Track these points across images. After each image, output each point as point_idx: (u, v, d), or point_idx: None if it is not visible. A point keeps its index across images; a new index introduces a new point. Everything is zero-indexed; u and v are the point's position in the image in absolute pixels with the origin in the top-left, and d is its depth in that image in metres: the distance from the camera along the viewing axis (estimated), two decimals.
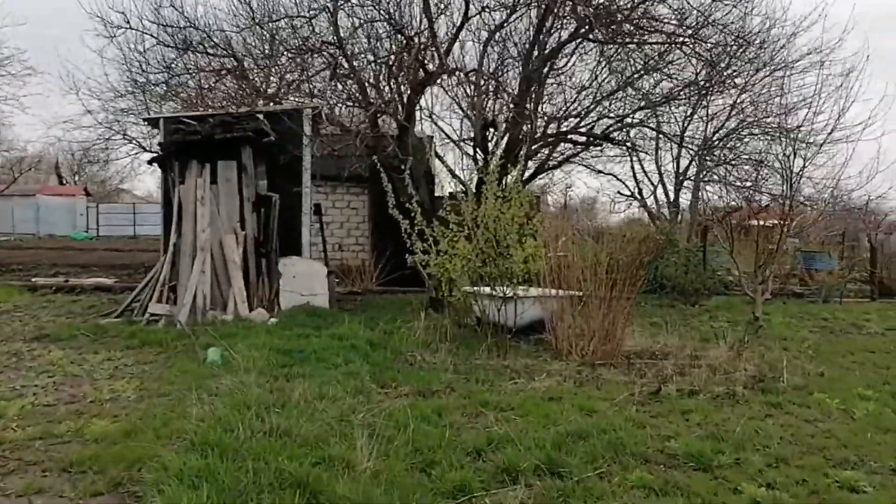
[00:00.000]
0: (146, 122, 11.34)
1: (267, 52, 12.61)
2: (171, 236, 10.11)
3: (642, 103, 14.80)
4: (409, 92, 12.72)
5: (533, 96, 13.87)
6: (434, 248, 8.24)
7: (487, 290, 8.65)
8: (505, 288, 8.29)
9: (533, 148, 14.48)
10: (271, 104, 11.47)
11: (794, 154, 10.39)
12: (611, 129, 16.06)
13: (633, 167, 22.66)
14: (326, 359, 6.69)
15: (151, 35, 13.03)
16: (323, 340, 7.67)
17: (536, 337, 9.01)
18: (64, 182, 55.33)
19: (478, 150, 14.48)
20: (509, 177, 8.64)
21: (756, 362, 7.85)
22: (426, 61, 13.28)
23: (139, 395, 5.79)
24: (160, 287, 9.79)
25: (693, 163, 21.38)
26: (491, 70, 14.61)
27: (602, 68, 14.36)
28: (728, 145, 15.77)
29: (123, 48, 13.81)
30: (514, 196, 8.10)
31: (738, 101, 16.10)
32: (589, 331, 8.26)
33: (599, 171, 21.03)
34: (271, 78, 12.11)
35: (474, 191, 15.86)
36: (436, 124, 17.83)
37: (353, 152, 14.95)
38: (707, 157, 17.36)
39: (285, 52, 12.28)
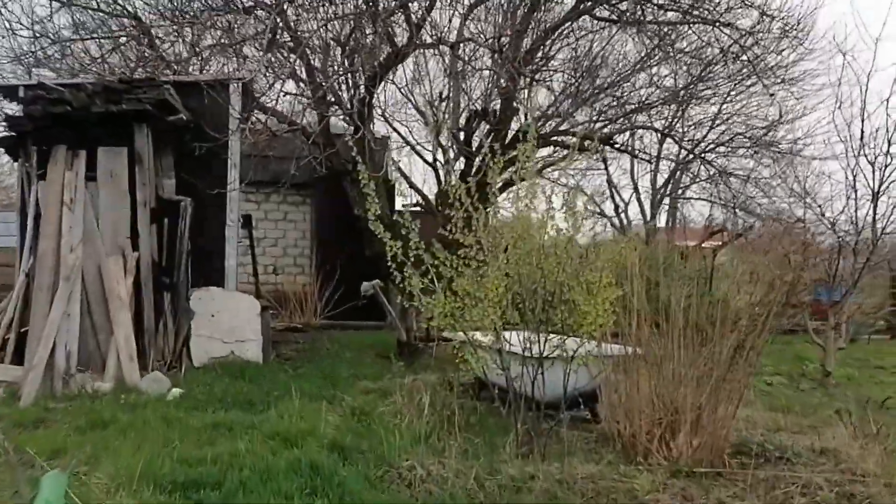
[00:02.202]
0: (2, 95, 7.85)
1: (182, 8, 9.31)
2: (24, 258, 6.70)
3: (653, 97, 12.09)
4: (373, 71, 9.60)
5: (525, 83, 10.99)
6: (438, 285, 5.15)
7: (512, 342, 5.58)
8: (544, 343, 5.24)
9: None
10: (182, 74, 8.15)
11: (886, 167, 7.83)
12: (605, 129, 13.30)
13: (609, 181, 20.25)
14: None
15: None
16: (257, 447, 4.43)
17: (575, 414, 6.06)
18: None
19: (458, 147, 11.55)
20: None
21: None
22: (394, 33, 10.25)
23: None
24: (2, 336, 6.36)
25: (681, 174, 19.03)
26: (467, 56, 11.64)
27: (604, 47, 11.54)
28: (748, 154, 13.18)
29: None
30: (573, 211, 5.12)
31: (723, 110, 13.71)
32: (669, 411, 5.35)
33: (566, 186, 18.40)
34: (196, 37, 8.78)
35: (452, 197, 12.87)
36: (391, 126, 14.88)
37: (295, 151, 11.81)
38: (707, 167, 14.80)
39: (206, 11, 9.02)
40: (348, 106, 11.40)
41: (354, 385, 7.28)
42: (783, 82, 10.58)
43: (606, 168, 19.40)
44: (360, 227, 11.68)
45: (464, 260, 5.01)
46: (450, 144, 11.05)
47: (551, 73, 11.09)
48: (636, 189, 20.84)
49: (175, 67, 8.76)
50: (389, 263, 5.20)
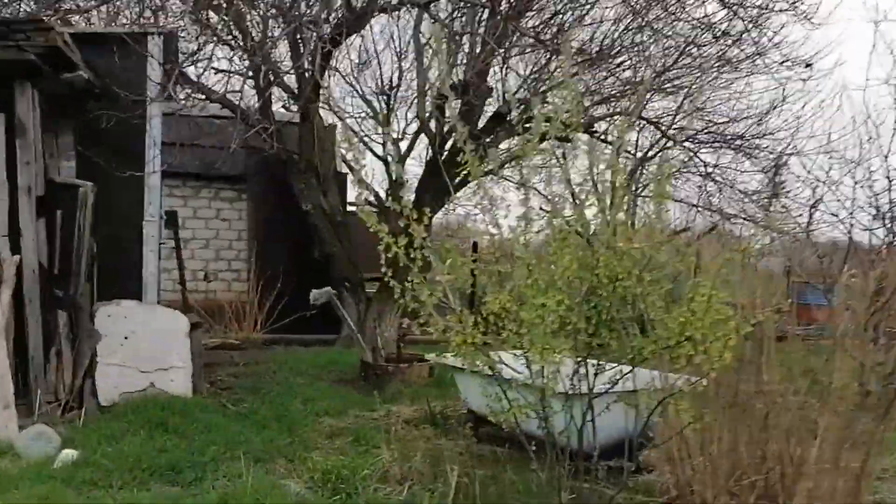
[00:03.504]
0: None
1: None
2: None
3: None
4: (324, 39, 7.86)
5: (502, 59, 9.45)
6: (454, 300, 3.56)
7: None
8: (593, 370, 3.69)
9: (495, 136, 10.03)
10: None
11: None
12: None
13: (568, 179, 18.99)
14: None
15: None
16: None
17: (615, 464, 4.56)
18: None
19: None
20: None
21: None
22: None
23: None
24: None
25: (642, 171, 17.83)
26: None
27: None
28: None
29: None
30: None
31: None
32: (764, 469, 3.93)
33: (521, 184, 16.93)
34: None
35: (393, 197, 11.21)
36: (337, 116, 13.24)
37: (228, 139, 10.00)
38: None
39: None
40: (296, 83, 9.73)
41: (315, 425, 5.66)
42: (786, 63, 9.31)
43: (565, 163, 18.13)
44: (308, 224, 10.01)
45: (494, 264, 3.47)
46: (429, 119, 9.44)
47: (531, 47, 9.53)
48: (595, 187, 19.69)
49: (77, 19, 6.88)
50: (384, 270, 3.58)
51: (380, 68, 12.95)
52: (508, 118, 9.65)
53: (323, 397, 6.63)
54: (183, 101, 7.21)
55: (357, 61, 12.21)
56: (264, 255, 11.00)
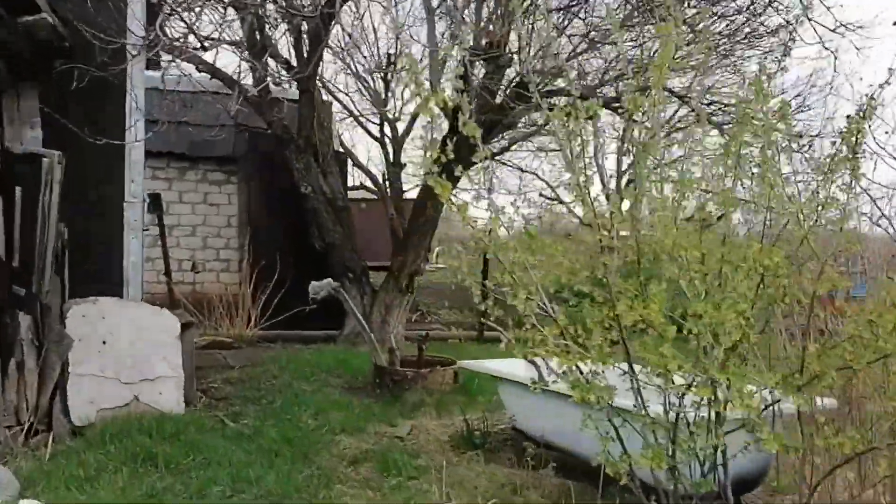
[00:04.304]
0: None
1: None
2: None
3: None
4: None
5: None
6: (552, 307, 2.63)
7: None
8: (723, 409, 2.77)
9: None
10: None
11: None
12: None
13: (571, 159, 18.06)
14: None
15: None
16: None
17: None
18: None
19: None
20: None
21: None
22: None
23: None
24: None
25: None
26: None
27: None
28: None
29: None
30: None
31: None
32: None
33: (521, 170, 16.02)
34: None
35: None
36: (333, 95, 12.27)
37: (219, 117, 8.99)
38: None
39: None
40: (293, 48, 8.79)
41: (331, 447, 4.72)
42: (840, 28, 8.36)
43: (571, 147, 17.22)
44: (306, 209, 9.02)
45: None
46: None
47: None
48: (600, 171, 18.82)
49: None
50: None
51: (377, 43, 12.02)
52: (529, 90, 8.69)
53: (335, 409, 5.68)
54: (166, 66, 6.18)
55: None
56: (257, 243, 9.99)
